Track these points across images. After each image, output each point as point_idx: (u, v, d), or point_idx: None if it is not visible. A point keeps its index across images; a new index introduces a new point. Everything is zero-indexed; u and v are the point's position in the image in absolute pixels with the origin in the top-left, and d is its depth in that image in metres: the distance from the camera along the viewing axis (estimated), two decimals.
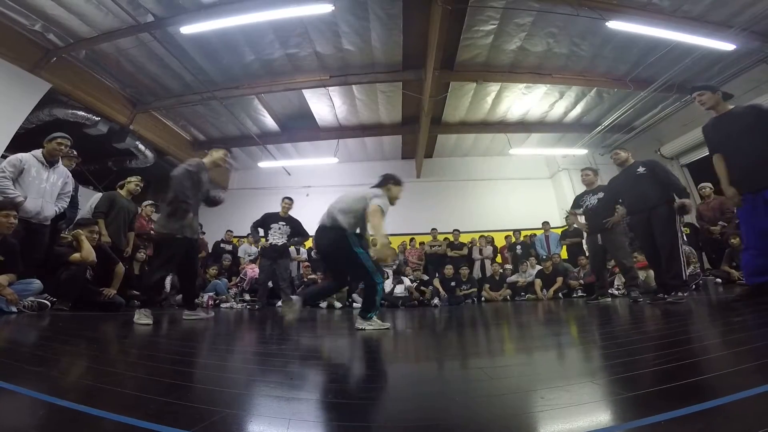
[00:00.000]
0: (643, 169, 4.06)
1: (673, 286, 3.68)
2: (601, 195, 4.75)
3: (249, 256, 7.99)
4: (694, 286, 4.80)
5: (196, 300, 4.90)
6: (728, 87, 6.85)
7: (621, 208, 4.58)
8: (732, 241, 5.28)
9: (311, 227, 8.72)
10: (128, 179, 5.05)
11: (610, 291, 5.36)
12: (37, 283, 3.50)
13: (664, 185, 3.89)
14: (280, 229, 5.78)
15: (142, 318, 2.96)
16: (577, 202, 5.07)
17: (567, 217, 8.81)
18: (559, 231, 8.98)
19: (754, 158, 2.86)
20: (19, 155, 3.76)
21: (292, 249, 8.53)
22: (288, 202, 6.02)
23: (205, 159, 3.92)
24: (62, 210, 4.12)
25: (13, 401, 0.88)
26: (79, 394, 0.96)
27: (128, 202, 4.93)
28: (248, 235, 8.39)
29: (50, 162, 3.91)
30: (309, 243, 9.01)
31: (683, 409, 0.69)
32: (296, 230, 5.94)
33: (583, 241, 8.24)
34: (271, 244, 5.74)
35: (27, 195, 3.66)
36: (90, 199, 5.15)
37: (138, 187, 5.04)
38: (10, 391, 0.92)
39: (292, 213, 6.09)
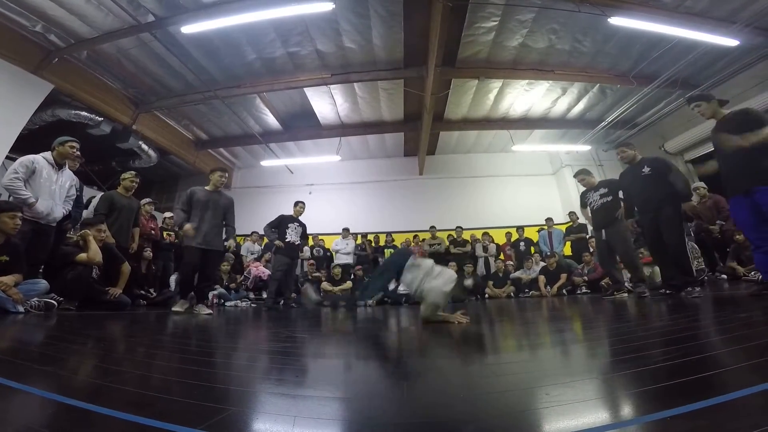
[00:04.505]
0: (648, 169, 4.08)
1: (685, 282, 3.71)
2: (603, 191, 4.79)
3: (252, 254, 8.02)
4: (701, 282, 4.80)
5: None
6: (733, 83, 6.84)
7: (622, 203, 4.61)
8: (737, 237, 5.24)
9: (314, 224, 8.81)
10: (122, 176, 5.02)
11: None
12: (43, 284, 3.53)
13: (669, 185, 3.90)
14: (295, 229, 6.11)
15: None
16: (583, 200, 5.13)
17: (571, 213, 8.81)
18: (562, 227, 8.98)
19: (739, 160, 2.93)
20: (31, 156, 3.80)
21: None
22: (302, 206, 6.39)
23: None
24: (68, 212, 4.19)
25: (22, 400, 0.89)
26: (87, 393, 0.96)
27: (128, 200, 4.92)
28: (252, 233, 8.45)
29: (59, 164, 3.96)
30: (311, 241, 9.10)
31: (689, 405, 0.69)
32: (304, 232, 6.36)
33: (591, 237, 8.26)
34: (289, 242, 5.99)
35: (39, 196, 3.70)
36: (93, 201, 5.17)
37: (133, 183, 4.97)
38: (20, 390, 0.93)
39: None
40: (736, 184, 3.00)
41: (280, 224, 6.10)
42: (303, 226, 6.29)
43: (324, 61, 6.90)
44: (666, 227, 3.87)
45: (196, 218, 4.38)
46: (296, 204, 6.36)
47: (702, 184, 6.21)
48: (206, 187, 4.61)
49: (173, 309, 4.19)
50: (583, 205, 5.17)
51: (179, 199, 4.63)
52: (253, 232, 8.48)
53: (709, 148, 7.00)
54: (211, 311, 4.26)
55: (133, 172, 5.10)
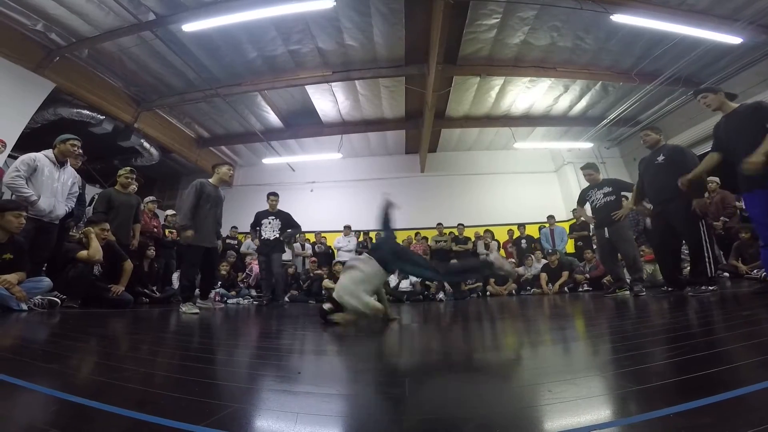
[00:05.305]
0: (663, 158, 3.91)
1: (699, 282, 3.61)
2: (606, 189, 4.79)
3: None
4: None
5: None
6: (736, 80, 6.80)
7: (627, 201, 4.58)
8: (742, 235, 5.21)
9: (316, 222, 8.80)
10: (118, 173, 4.97)
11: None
12: (46, 281, 3.54)
13: (682, 176, 3.63)
14: (270, 224, 5.82)
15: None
16: (583, 197, 5.11)
17: (575, 210, 8.79)
18: (565, 225, 8.96)
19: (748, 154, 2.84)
20: (32, 154, 3.81)
21: (297, 245, 8.59)
22: (274, 198, 6.04)
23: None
24: (71, 209, 4.21)
25: (26, 397, 0.89)
26: (90, 390, 0.97)
27: (127, 197, 4.87)
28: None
29: (61, 162, 3.97)
30: (312, 237, 9.11)
31: (692, 402, 0.69)
32: (287, 223, 5.96)
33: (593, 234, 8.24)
34: (262, 239, 5.77)
35: (41, 194, 3.72)
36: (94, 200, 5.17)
37: (128, 180, 4.90)
38: (23, 387, 0.93)
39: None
40: (754, 178, 2.85)
41: (256, 222, 5.93)
42: (282, 217, 5.92)
43: (325, 58, 6.89)
44: (679, 223, 3.72)
45: (203, 215, 4.25)
46: (268, 197, 6.03)
47: (715, 178, 6.08)
48: (210, 180, 4.53)
49: (184, 311, 3.87)
50: (582, 201, 5.15)
51: (185, 193, 4.54)
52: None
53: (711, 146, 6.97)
54: (222, 305, 4.30)
55: (128, 168, 5.04)
